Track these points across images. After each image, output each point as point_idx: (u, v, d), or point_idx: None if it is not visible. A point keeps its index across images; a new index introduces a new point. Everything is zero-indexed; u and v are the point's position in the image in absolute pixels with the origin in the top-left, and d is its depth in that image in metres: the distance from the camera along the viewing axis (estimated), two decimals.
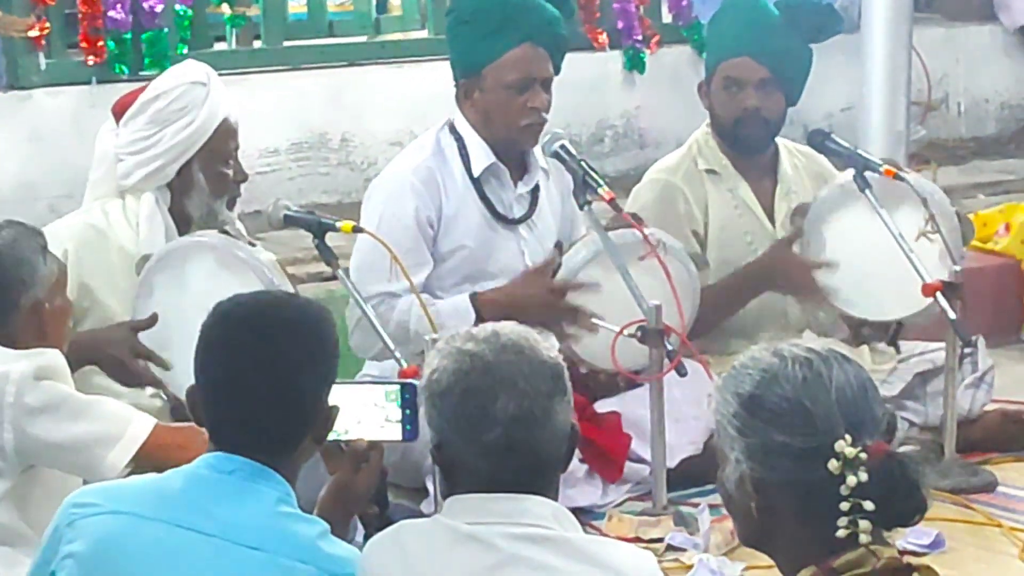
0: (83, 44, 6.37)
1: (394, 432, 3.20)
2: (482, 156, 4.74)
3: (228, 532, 2.73)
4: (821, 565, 2.38)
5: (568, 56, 4.86)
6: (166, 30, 6.47)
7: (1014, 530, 4.46)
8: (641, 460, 4.65)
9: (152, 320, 4.08)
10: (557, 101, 4.75)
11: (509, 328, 2.80)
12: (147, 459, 3.51)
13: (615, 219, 4.57)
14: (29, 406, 3.52)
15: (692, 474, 4.60)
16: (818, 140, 5.05)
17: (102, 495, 2.82)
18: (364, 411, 3.18)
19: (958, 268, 4.74)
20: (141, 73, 6.28)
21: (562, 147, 4.52)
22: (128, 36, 6.40)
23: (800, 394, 2.41)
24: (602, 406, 4.80)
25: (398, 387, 3.21)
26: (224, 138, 4.48)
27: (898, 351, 5.04)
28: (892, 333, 5.02)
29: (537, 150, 4.72)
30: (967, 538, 4.41)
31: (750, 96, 5.07)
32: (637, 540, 4.25)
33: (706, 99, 5.19)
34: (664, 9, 7.75)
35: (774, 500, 2.42)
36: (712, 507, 4.27)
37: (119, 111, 4.52)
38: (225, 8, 6.89)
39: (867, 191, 4.78)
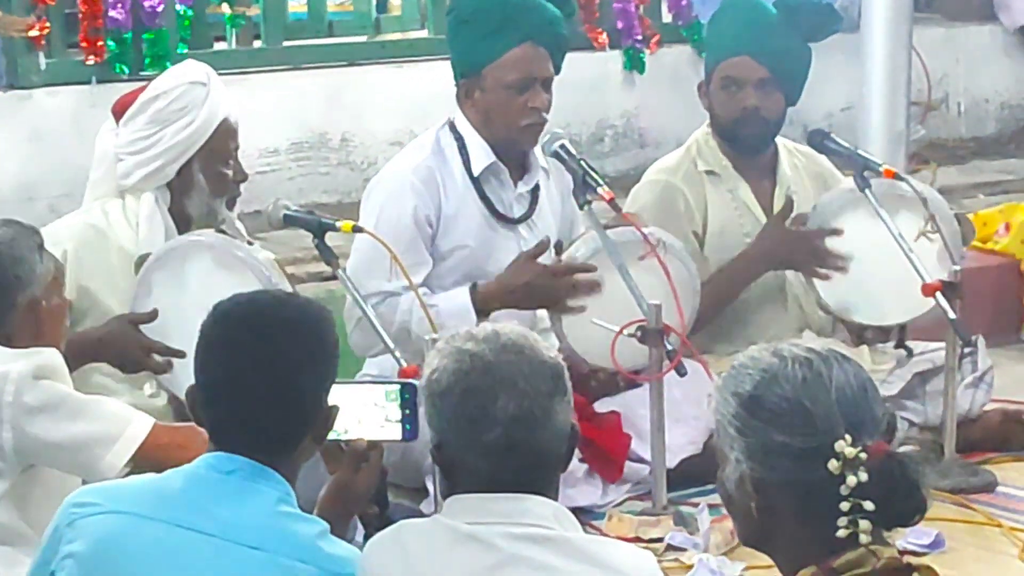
0: (83, 44, 6.37)
1: (394, 432, 3.20)
2: (482, 155, 4.74)
3: (228, 532, 2.73)
4: (821, 565, 2.38)
5: (568, 56, 4.86)
6: (166, 30, 6.47)
7: (1014, 530, 4.46)
8: (641, 460, 4.65)
9: (152, 315, 4.08)
10: (557, 101, 4.75)
11: (509, 328, 2.80)
12: (146, 459, 3.51)
13: (615, 219, 4.57)
14: (28, 405, 3.51)
15: (692, 474, 4.60)
16: (818, 140, 5.06)
17: (102, 495, 2.82)
18: (364, 411, 3.18)
19: (957, 268, 4.74)
20: (142, 73, 6.28)
21: (562, 147, 4.53)
22: (128, 36, 6.40)
23: (800, 394, 2.41)
24: (602, 406, 4.80)
25: (398, 387, 3.21)
26: (224, 138, 4.48)
27: (910, 354, 5.02)
28: (898, 336, 5.02)
29: (537, 150, 4.72)
30: (967, 538, 4.41)
31: (749, 96, 5.07)
32: (637, 540, 4.25)
33: (706, 99, 5.19)
34: (664, 9, 7.75)
35: (774, 500, 2.42)
36: (712, 507, 4.26)
37: (119, 111, 4.52)
38: (225, 8, 6.89)
39: (867, 191, 4.79)
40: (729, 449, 2.45)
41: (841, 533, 2.36)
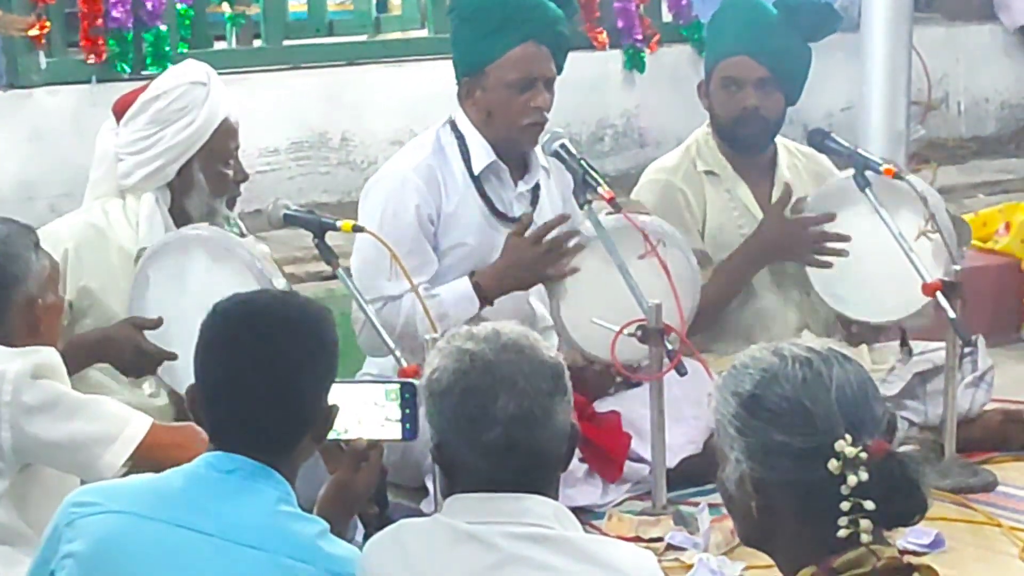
0: (83, 43, 6.37)
1: (394, 431, 3.20)
2: (483, 154, 4.74)
3: (228, 531, 2.73)
4: (821, 565, 2.38)
5: (568, 55, 4.86)
6: (167, 29, 6.47)
7: (1014, 529, 4.46)
8: (641, 459, 4.65)
9: (158, 322, 4.08)
10: (557, 100, 4.75)
11: (510, 327, 2.80)
12: (144, 458, 3.51)
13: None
14: (27, 404, 3.51)
15: (692, 474, 4.60)
16: (818, 139, 5.06)
17: (102, 494, 2.82)
18: (364, 410, 3.18)
19: (957, 268, 4.74)
20: (143, 72, 6.28)
21: (562, 146, 4.53)
22: (129, 35, 6.40)
23: (800, 394, 2.41)
24: (602, 405, 4.80)
25: (398, 386, 3.21)
26: (224, 138, 4.48)
27: (911, 353, 5.03)
28: (901, 335, 5.03)
29: (538, 149, 4.72)
30: (967, 538, 4.41)
31: (749, 95, 5.07)
32: (637, 539, 4.25)
33: (705, 99, 5.19)
34: (664, 8, 7.75)
35: (774, 500, 2.42)
36: (712, 506, 4.27)
37: (119, 110, 4.52)
38: (225, 7, 6.89)
39: (867, 190, 4.79)
40: (729, 449, 2.45)
41: (841, 533, 2.36)
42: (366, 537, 2.92)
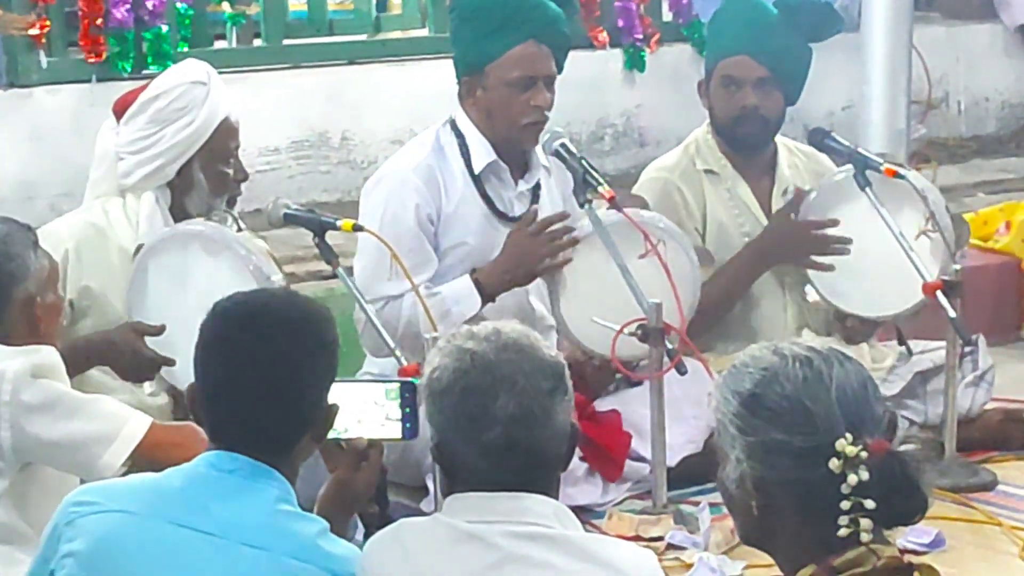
0: (83, 43, 6.37)
1: (394, 430, 3.20)
2: (483, 154, 4.74)
3: (228, 531, 2.73)
4: (821, 564, 2.38)
5: (568, 54, 4.86)
6: (167, 28, 6.47)
7: (1014, 528, 4.46)
8: (641, 459, 4.65)
9: (160, 329, 4.08)
10: (557, 99, 4.75)
11: (510, 327, 2.80)
12: (144, 458, 3.51)
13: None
14: (26, 404, 3.51)
15: (692, 473, 4.60)
16: (818, 139, 5.06)
17: (102, 494, 2.82)
18: (364, 409, 3.18)
19: (958, 267, 4.74)
20: (143, 72, 6.28)
21: (562, 145, 4.53)
22: (130, 34, 6.40)
23: (800, 393, 2.41)
24: (602, 405, 4.81)
25: (398, 385, 3.21)
26: (224, 137, 4.48)
27: (910, 352, 5.03)
28: (898, 334, 5.03)
29: (539, 148, 4.72)
30: (967, 537, 4.41)
31: (749, 95, 5.07)
32: (637, 539, 4.25)
33: (705, 98, 5.19)
34: (664, 8, 7.75)
35: (774, 499, 2.42)
36: (712, 506, 4.27)
37: (120, 110, 4.52)
38: (226, 6, 6.89)
39: (867, 190, 4.79)
40: (730, 448, 2.45)
41: (842, 532, 2.36)
42: (366, 536, 2.92)
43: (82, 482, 3.32)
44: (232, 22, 6.97)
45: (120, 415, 3.60)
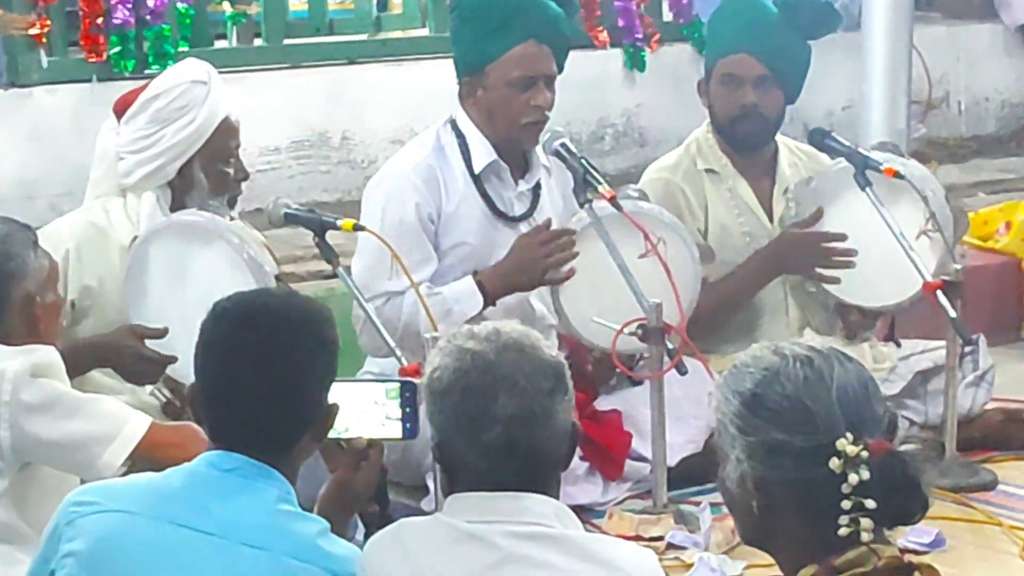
0: (84, 42, 6.37)
1: (394, 430, 3.19)
2: (483, 153, 4.74)
3: (228, 530, 2.73)
4: (822, 563, 2.38)
5: (569, 54, 4.86)
6: (168, 27, 6.47)
7: (1014, 528, 4.46)
8: (641, 458, 4.65)
9: (163, 332, 4.08)
10: (557, 99, 4.75)
11: (510, 327, 2.79)
12: (143, 458, 3.51)
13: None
14: (26, 403, 3.51)
15: (693, 472, 4.60)
16: (818, 139, 5.06)
17: (102, 493, 2.82)
18: (364, 409, 3.18)
19: (958, 267, 4.74)
20: (145, 71, 6.28)
21: (562, 145, 4.53)
22: (132, 34, 6.40)
23: (801, 393, 2.41)
24: (603, 404, 4.81)
25: (398, 385, 3.21)
26: (225, 136, 4.48)
27: (898, 344, 5.05)
28: (889, 328, 5.04)
29: (539, 148, 4.72)
30: (967, 536, 4.40)
31: (748, 93, 5.07)
32: (638, 538, 4.25)
33: (705, 97, 5.19)
34: (665, 7, 7.76)
35: (775, 498, 2.42)
36: (713, 505, 4.27)
37: (120, 109, 4.52)
38: (226, 6, 6.90)
39: (868, 190, 4.79)
40: (730, 448, 2.45)
41: (842, 531, 2.36)
42: (367, 536, 2.92)
43: (82, 482, 3.32)
44: (232, 22, 6.98)
45: (120, 415, 3.60)
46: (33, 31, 6.26)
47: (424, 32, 7.59)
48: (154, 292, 4.17)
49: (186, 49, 6.44)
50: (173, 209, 4.46)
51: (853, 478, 2.34)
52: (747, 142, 5.16)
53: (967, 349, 4.93)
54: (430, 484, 4.25)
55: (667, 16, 7.74)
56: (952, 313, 4.61)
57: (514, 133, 4.71)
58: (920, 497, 2.38)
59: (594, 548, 2.70)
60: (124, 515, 2.76)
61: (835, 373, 2.42)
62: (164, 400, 4.23)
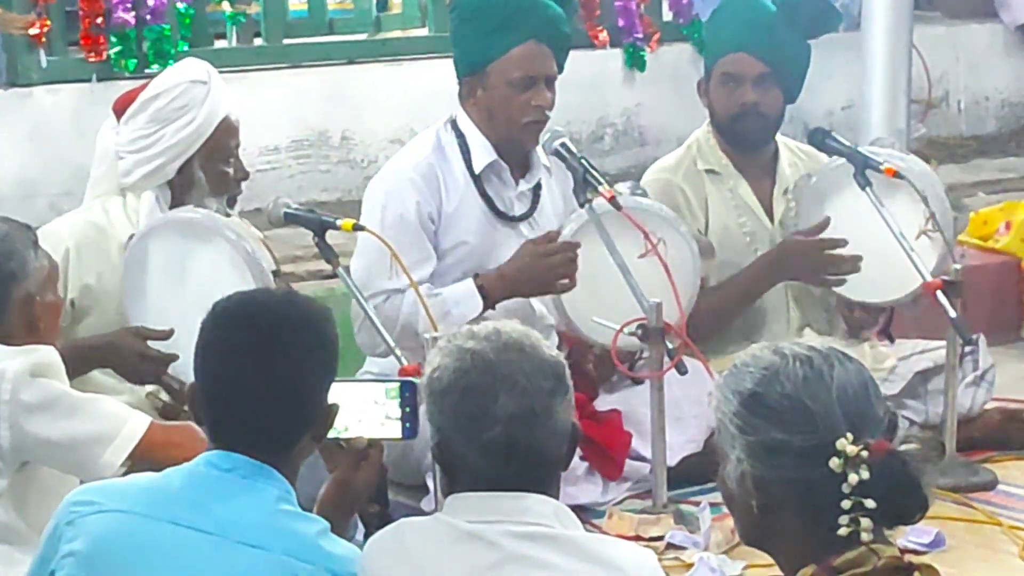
0: (84, 42, 6.38)
1: (394, 430, 3.19)
2: (484, 153, 4.74)
3: (228, 530, 2.72)
4: (822, 563, 2.38)
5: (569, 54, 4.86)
6: (168, 27, 6.48)
7: (1014, 528, 4.46)
8: (641, 458, 4.65)
9: (167, 333, 4.08)
10: (557, 99, 4.75)
11: (511, 326, 2.79)
12: (143, 458, 3.51)
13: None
14: (25, 403, 3.51)
15: (692, 472, 4.59)
16: (818, 138, 5.05)
17: (102, 493, 2.82)
18: (364, 409, 3.17)
19: (958, 267, 4.74)
20: (146, 71, 6.28)
21: (562, 145, 4.53)
22: (132, 33, 6.40)
23: (801, 392, 2.41)
24: (603, 404, 4.81)
25: (398, 385, 3.20)
26: (225, 136, 4.48)
27: (891, 339, 5.05)
28: (886, 322, 5.04)
29: (540, 148, 4.72)
30: (967, 536, 4.40)
31: (748, 92, 5.07)
32: (637, 538, 4.25)
33: (705, 97, 5.19)
34: (665, 7, 7.76)
35: (775, 498, 2.42)
36: (713, 505, 4.26)
37: (120, 109, 4.52)
38: (226, 6, 6.90)
39: (868, 189, 4.79)
40: (730, 447, 2.45)
41: (842, 531, 2.36)
42: (366, 536, 2.92)
43: (82, 482, 3.32)
44: (232, 21, 6.98)
45: (120, 415, 3.60)
46: (33, 31, 6.26)
47: (424, 32, 7.60)
48: (153, 290, 4.17)
49: (186, 49, 6.44)
50: (173, 208, 4.45)
51: (853, 478, 2.34)
52: (748, 141, 5.16)
53: (967, 349, 4.93)
54: (430, 484, 4.25)
55: (667, 16, 7.75)
56: (952, 313, 4.61)
57: (514, 133, 4.71)
58: (920, 497, 2.38)
59: (594, 548, 2.70)
60: (124, 515, 2.76)
61: (835, 373, 2.42)
62: (161, 403, 4.23)
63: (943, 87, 8.47)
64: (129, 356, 4.10)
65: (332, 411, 2.89)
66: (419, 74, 6.94)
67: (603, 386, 4.90)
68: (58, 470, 3.59)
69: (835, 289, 5.01)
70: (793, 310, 5.19)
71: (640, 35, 7.52)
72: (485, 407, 2.69)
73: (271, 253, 4.17)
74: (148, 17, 6.45)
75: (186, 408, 3.91)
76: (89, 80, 6.34)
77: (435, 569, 2.68)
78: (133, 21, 6.41)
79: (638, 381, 4.69)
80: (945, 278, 4.68)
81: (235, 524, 2.73)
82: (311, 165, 6.84)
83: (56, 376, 3.59)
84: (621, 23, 7.50)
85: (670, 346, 4.29)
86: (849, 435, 2.36)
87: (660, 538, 4.32)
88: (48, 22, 6.30)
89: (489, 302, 4.58)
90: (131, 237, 4.27)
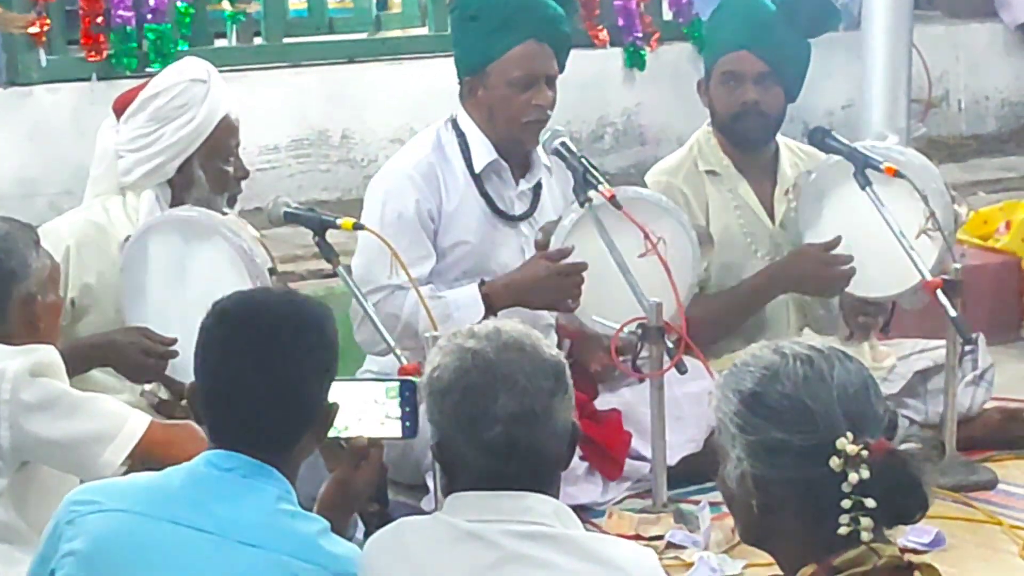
0: (84, 41, 6.38)
1: (394, 429, 3.19)
2: (484, 153, 4.74)
3: (228, 530, 2.72)
4: (822, 563, 2.38)
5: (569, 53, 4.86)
6: (168, 26, 6.48)
7: (1014, 528, 4.46)
8: (641, 457, 4.65)
9: (170, 342, 4.07)
10: (558, 98, 4.75)
11: (511, 326, 2.79)
12: (143, 457, 3.51)
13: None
14: (26, 402, 3.51)
15: (692, 472, 4.59)
16: (819, 138, 5.05)
17: (102, 493, 2.82)
18: (364, 408, 3.17)
19: (958, 266, 4.74)
20: (146, 70, 6.28)
21: (562, 144, 4.53)
22: (132, 32, 6.40)
23: (801, 392, 2.41)
24: (603, 403, 4.81)
25: (398, 384, 3.20)
26: (225, 135, 4.48)
27: (886, 332, 5.05)
28: (884, 320, 5.04)
29: (540, 147, 4.72)
30: (967, 536, 4.40)
31: (749, 90, 5.07)
32: (637, 538, 4.25)
33: (705, 96, 5.19)
34: (665, 6, 7.76)
35: (775, 497, 2.42)
36: (713, 505, 4.26)
37: (120, 108, 4.51)
38: (226, 5, 6.90)
39: (868, 189, 4.79)
40: (730, 447, 2.45)
41: (842, 531, 2.36)
42: (367, 535, 2.92)
43: (82, 481, 3.32)
44: (232, 20, 6.98)
45: (120, 414, 3.60)
46: (33, 30, 6.26)
47: (424, 31, 7.60)
48: (153, 289, 4.17)
49: (186, 48, 6.44)
50: (173, 207, 4.45)
51: (853, 477, 2.34)
52: (749, 139, 5.15)
53: (967, 348, 4.92)
54: (430, 483, 4.25)
55: (667, 15, 7.75)
56: (952, 312, 4.61)
57: (515, 132, 4.70)
58: (920, 496, 2.38)
59: (594, 547, 2.70)
60: (124, 514, 2.76)
61: (835, 372, 2.42)
62: (158, 400, 4.23)
63: (943, 86, 8.48)
64: (130, 353, 4.10)
65: (332, 410, 2.89)
66: (419, 73, 6.94)
67: (604, 384, 4.90)
68: (58, 469, 3.59)
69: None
70: (793, 310, 5.19)
71: (640, 34, 7.52)
72: (485, 406, 2.69)
73: (268, 252, 4.17)
74: (148, 16, 6.46)
75: (183, 404, 3.93)
76: (89, 79, 6.34)
77: (435, 568, 2.68)
78: (133, 20, 6.41)
79: (638, 370, 4.69)
80: (945, 277, 4.68)
81: (235, 524, 2.73)
82: (311, 164, 6.84)
83: (56, 376, 3.59)
84: (621, 22, 7.50)
85: (670, 345, 4.29)
86: (849, 434, 2.36)
87: (660, 537, 4.32)
88: (48, 21, 6.30)
89: (492, 310, 4.57)
90: (127, 238, 4.27)
